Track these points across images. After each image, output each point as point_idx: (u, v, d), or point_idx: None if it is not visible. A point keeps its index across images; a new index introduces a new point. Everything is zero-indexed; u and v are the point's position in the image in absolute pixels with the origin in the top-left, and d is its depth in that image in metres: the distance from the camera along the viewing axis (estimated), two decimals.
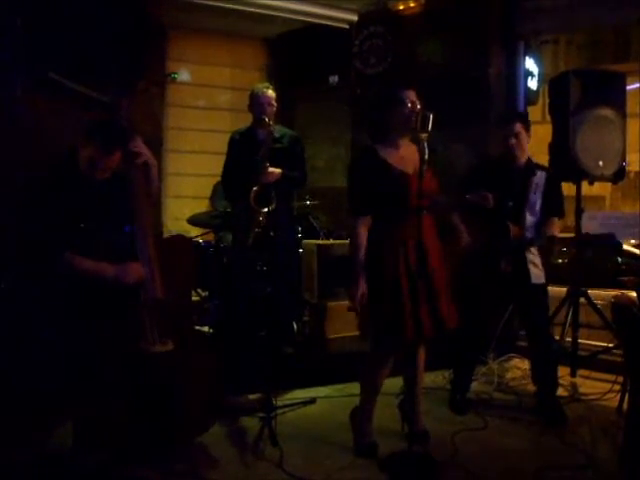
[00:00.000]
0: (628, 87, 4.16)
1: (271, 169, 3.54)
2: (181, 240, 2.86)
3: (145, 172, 2.54)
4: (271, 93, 3.71)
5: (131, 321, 2.43)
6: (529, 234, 3.15)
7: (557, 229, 3.28)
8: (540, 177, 3.17)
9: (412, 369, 2.82)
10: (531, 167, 3.23)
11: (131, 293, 2.42)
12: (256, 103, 3.69)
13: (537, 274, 3.17)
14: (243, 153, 3.70)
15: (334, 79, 5.69)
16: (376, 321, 2.66)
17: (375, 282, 2.63)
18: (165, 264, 2.51)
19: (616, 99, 3.92)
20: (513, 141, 3.19)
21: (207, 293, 4.61)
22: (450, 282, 2.76)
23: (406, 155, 2.69)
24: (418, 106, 2.61)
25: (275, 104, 3.72)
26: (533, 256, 3.17)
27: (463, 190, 3.28)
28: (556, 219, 3.28)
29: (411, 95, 2.65)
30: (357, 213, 2.67)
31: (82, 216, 2.44)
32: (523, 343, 4.29)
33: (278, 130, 3.76)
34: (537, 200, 3.16)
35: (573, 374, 3.88)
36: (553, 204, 3.24)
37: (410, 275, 2.60)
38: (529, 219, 3.16)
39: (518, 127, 3.20)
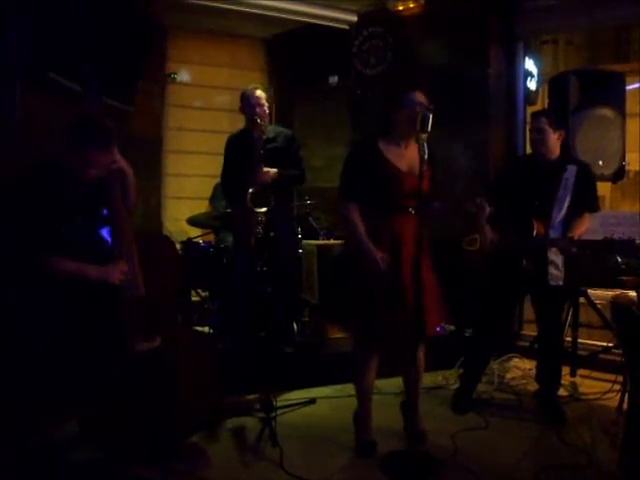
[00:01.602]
0: (628, 87, 4.16)
1: (266, 169, 3.54)
2: (164, 239, 2.90)
3: (121, 179, 2.55)
4: (260, 93, 3.71)
5: (116, 320, 2.45)
6: (555, 232, 3.07)
7: (585, 227, 3.14)
8: (570, 172, 3.08)
9: (410, 369, 2.82)
10: (562, 163, 3.14)
11: (115, 292, 2.44)
12: (246, 104, 3.71)
13: (555, 275, 3.09)
14: (239, 155, 3.71)
15: (334, 80, 5.69)
16: (351, 320, 2.71)
17: (351, 280, 2.67)
18: (149, 263, 2.53)
19: (616, 99, 3.92)
20: (535, 136, 3.16)
21: (207, 293, 4.61)
22: (437, 284, 2.77)
23: (406, 154, 2.73)
24: (429, 107, 2.60)
25: (266, 104, 3.72)
26: (555, 256, 3.09)
27: (493, 189, 3.29)
28: (587, 215, 3.16)
29: (418, 97, 2.67)
30: (346, 197, 2.72)
31: (66, 218, 2.44)
32: (523, 343, 4.31)
33: (272, 130, 3.77)
34: (566, 196, 3.07)
35: (573, 374, 3.87)
36: (584, 199, 3.13)
37: (389, 274, 2.61)
38: (556, 216, 3.08)
39: (542, 122, 3.13)
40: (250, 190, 3.47)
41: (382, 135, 2.76)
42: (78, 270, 2.38)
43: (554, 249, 3.09)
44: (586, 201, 3.16)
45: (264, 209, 3.40)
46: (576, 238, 3.04)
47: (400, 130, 2.71)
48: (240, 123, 3.95)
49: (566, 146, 3.40)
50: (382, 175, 2.67)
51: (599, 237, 3.06)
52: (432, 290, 2.72)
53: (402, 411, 3.00)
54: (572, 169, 3.10)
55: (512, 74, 4.76)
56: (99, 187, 2.51)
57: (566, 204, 3.09)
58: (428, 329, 2.67)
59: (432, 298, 2.70)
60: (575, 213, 3.12)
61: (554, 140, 3.17)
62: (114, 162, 2.50)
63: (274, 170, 3.57)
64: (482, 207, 3.08)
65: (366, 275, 2.64)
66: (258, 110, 3.65)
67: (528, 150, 3.42)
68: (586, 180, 3.17)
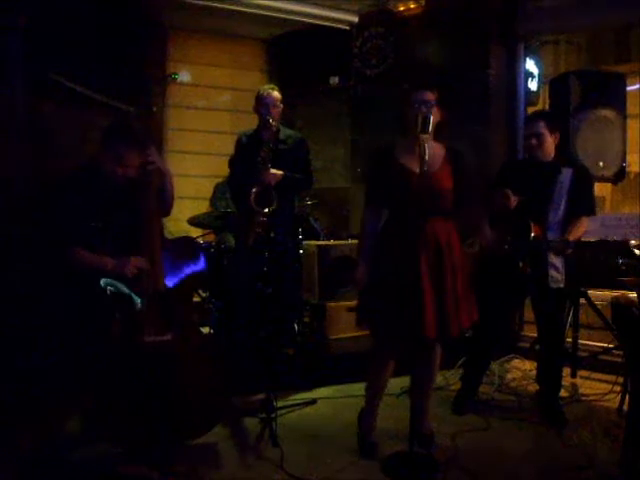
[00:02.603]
0: (628, 88, 4.17)
1: (273, 170, 3.54)
2: (190, 241, 3.05)
3: (159, 181, 2.69)
4: (276, 94, 3.71)
5: (131, 312, 2.52)
6: (553, 234, 3.06)
7: (582, 229, 3.11)
8: (566, 175, 3.07)
9: (422, 367, 2.80)
10: (557, 166, 3.12)
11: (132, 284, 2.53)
12: (261, 104, 3.68)
13: (556, 278, 3.07)
14: (249, 155, 3.70)
15: (334, 80, 5.70)
16: (371, 317, 2.71)
17: (373, 277, 2.68)
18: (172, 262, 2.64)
19: (616, 100, 3.93)
20: (534, 141, 3.12)
21: (207, 294, 4.61)
22: (469, 284, 2.73)
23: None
24: (433, 106, 2.61)
25: (280, 105, 3.73)
26: (555, 258, 3.07)
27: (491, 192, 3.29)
28: (584, 217, 3.13)
29: (424, 96, 2.65)
30: (366, 202, 2.81)
31: (96, 216, 2.58)
32: (523, 344, 4.31)
33: (283, 131, 3.76)
34: (562, 198, 3.06)
35: (573, 375, 3.87)
36: (580, 202, 3.11)
37: (408, 274, 2.58)
38: (553, 218, 3.07)
39: (541, 127, 3.10)
40: (253, 189, 3.47)
41: (401, 136, 2.77)
42: (96, 261, 2.53)
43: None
44: (582, 205, 3.13)
45: (267, 209, 3.41)
46: (572, 240, 3.02)
47: (410, 129, 2.67)
48: (241, 123, 3.95)
49: (562, 148, 3.40)
50: (393, 177, 2.66)
51: (598, 238, 3.06)
52: (463, 292, 2.68)
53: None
54: (568, 172, 3.09)
55: (513, 75, 4.76)
56: (133, 188, 2.65)
57: (562, 207, 3.08)
58: (452, 331, 2.63)
59: (463, 300, 2.67)
60: (572, 215, 3.11)
61: (550, 143, 3.14)
62: (151, 163, 2.64)
63: (280, 172, 3.57)
64: (508, 196, 3.04)
65: (384, 277, 2.63)
66: (272, 111, 3.65)
67: None
68: (582, 184, 3.14)
